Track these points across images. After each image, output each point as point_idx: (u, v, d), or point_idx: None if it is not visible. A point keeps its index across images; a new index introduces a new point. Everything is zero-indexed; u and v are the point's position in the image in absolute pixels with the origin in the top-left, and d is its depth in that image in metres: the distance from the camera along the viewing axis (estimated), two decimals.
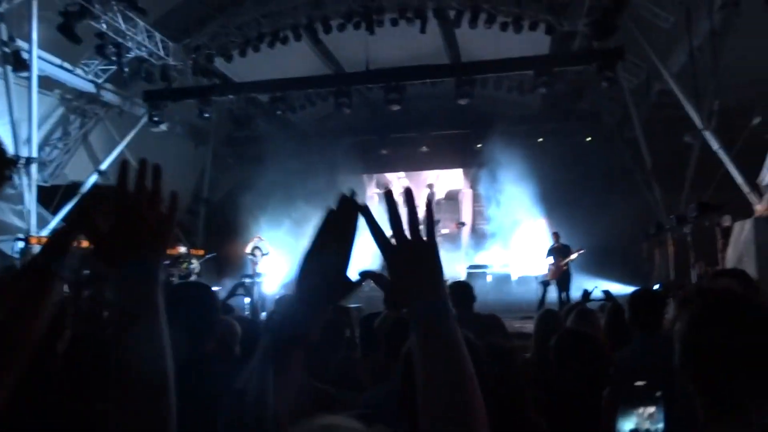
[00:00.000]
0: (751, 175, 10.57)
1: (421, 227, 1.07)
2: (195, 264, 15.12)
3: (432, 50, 15.77)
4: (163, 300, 1.05)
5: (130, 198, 1.10)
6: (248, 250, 15.50)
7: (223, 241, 18.57)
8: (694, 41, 11.78)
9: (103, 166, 15.01)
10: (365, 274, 1.11)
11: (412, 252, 1.06)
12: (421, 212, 1.09)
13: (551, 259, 13.26)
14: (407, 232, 1.07)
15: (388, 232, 1.08)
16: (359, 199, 1.11)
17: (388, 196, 1.09)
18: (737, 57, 11.39)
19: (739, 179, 10.91)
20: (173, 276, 13.91)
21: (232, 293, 4.19)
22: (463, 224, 20.01)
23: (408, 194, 1.08)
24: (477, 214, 20.52)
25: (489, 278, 16.06)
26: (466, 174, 20.93)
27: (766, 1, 8.95)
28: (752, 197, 10.58)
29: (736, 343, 1.25)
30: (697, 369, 1.31)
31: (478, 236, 19.83)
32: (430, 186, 20.69)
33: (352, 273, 1.11)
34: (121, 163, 1.13)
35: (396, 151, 20.12)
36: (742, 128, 10.56)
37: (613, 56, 13.32)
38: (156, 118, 15.30)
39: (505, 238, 17.73)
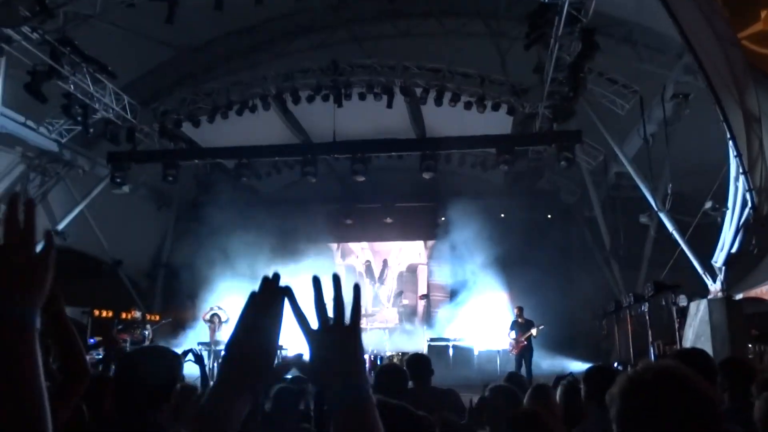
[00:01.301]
0: (705, 256, 10.87)
1: (347, 313, 1.07)
2: (148, 330, 14.66)
3: (398, 124, 16.11)
4: (40, 351, 0.92)
5: None
6: (207, 317, 15.10)
7: (181, 307, 18.09)
8: (649, 128, 12.36)
9: (61, 226, 14.65)
10: (285, 362, 1.12)
11: (334, 336, 1.06)
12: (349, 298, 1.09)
13: (513, 334, 13.22)
14: (331, 316, 1.07)
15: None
16: (283, 280, 1.10)
17: (316, 282, 1.09)
18: (689, 145, 11.95)
19: (693, 260, 11.21)
20: (126, 341, 13.43)
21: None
22: (425, 296, 19.95)
23: (336, 280, 1.08)
24: (437, 288, 20.47)
25: (451, 351, 15.90)
26: (427, 246, 21.01)
27: None
28: (706, 278, 10.85)
29: (663, 427, 1.26)
30: None
31: (439, 309, 19.72)
32: (384, 261, 20.61)
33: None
34: None
35: (360, 222, 20.13)
36: (695, 211, 10.93)
37: (572, 139, 13.85)
38: (119, 180, 15.04)
39: (467, 311, 17.67)
